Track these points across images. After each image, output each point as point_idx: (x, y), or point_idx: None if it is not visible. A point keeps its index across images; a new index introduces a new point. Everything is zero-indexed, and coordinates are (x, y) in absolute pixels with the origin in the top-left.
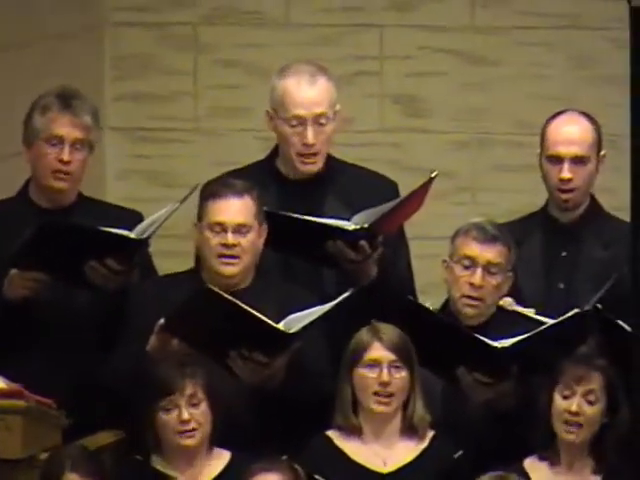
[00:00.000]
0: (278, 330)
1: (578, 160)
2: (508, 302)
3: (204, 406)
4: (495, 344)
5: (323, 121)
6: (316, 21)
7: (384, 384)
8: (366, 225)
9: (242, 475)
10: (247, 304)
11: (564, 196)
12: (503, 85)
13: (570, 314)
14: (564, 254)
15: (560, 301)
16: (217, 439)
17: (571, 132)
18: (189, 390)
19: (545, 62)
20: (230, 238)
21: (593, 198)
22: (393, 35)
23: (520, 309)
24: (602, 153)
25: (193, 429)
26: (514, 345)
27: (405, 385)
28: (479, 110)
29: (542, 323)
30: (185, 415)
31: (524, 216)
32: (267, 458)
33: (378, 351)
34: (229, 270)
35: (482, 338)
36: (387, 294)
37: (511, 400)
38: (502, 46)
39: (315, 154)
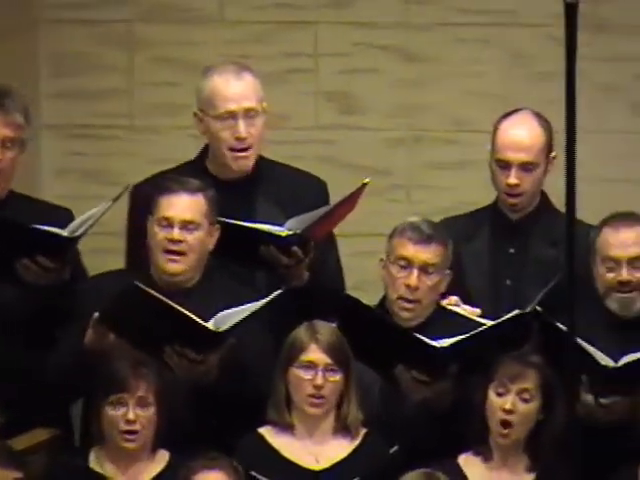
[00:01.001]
0: (207, 328)
1: (526, 167)
2: (454, 301)
3: (152, 410)
4: (434, 343)
5: (253, 114)
6: (250, 18)
7: (318, 387)
8: (299, 231)
9: (183, 474)
10: (192, 304)
11: (511, 200)
12: (438, 82)
13: (510, 315)
14: (512, 251)
15: (507, 298)
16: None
17: (520, 138)
18: (141, 392)
19: (481, 59)
20: (176, 234)
21: (544, 195)
22: (328, 32)
23: (467, 309)
24: (552, 154)
25: (136, 431)
26: (453, 345)
27: (339, 387)
28: (414, 107)
29: (482, 324)
30: (131, 415)
31: (474, 210)
32: (207, 456)
33: (314, 353)
34: (173, 267)
35: (421, 337)
36: (320, 293)
37: (449, 399)
38: (437, 43)
39: (247, 148)
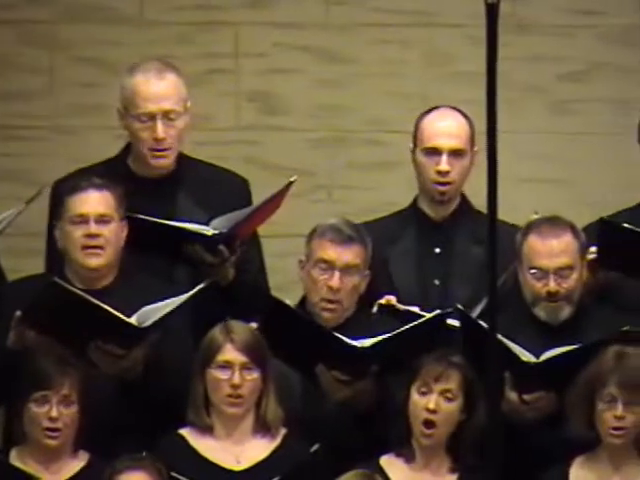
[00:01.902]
0: (129, 324)
1: (456, 153)
2: (392, 301)
3: (75, 408)
4: (355, 343)
5: (173, 116)
6: (171, 19)
7: (235, 387)
8: (225, 230)
9: (107, 474)
10: (111, 302)
11: (441, 188)
12: (359, 82)
13: (431, 315)
14: (438, 251)
15: (436, 298)
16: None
17: (449, 125)
18: (65, 389)
19: (401, 59)
20: (93, 228)
21: (463, 195)
22: (248, 33)
23: (406, 308)
24: (475, 149)
25: (59, 429)
26: (374, 345)
27: (257, 386)
28: (335, 107)
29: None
30: (54, 413)
31: (395, 212)
32: (131, 456)
33: (230, 353)
34: (94, 261)
35: (342, 337)
36: (244, 292)
37: (369, 399)
38: (358, 43)
39: (166, 149)
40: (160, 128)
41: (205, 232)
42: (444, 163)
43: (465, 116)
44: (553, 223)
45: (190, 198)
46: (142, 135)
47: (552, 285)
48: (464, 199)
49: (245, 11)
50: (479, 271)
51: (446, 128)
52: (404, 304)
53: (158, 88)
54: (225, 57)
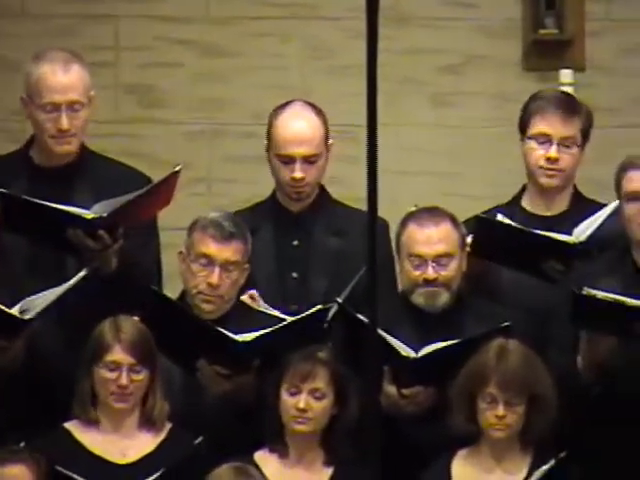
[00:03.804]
0: (12, 316)
1: (310, 159)
2: (255, 296)
3: None
4: (236, 337)
5: (77, 107)
6: (52, 12)
7: (123, 387)
8: (104, 214)
9: None
10: None
11: (296, 190)
12: (239, 76)
13: (313, 310)
14: (295, 243)
15: (294, 290)
16: None
17: (301, 131)
18: None
19: (281, 52)
20: None
21: (322, 187)
22: (129, 26)
23: (263, 306)
24: (330, 142)
25: None
26: (256, 339)
27: (144, 384)
28: (215, 101)
29: (280, 319)
30: None
31: (254, 205)
32: (9, 449)
33: (118, 354)
34: None
35: (223, 331)
36: (131, 285)
37: (250, 393)
38: (238, 37)
39: (71, 136)
40: (65, 119)
41: (84, 215)
42: (298, 171)
43: (317, 111)
44: (432, 213)
45: (88, 191)
46: (46, 125)
47: (430, 272)
48: (323, 190)
49: (126, 4)
50: (336, 263)
51: (299, 134)
52: (263, 297)
53: (64, 79)
54: (106, 50)
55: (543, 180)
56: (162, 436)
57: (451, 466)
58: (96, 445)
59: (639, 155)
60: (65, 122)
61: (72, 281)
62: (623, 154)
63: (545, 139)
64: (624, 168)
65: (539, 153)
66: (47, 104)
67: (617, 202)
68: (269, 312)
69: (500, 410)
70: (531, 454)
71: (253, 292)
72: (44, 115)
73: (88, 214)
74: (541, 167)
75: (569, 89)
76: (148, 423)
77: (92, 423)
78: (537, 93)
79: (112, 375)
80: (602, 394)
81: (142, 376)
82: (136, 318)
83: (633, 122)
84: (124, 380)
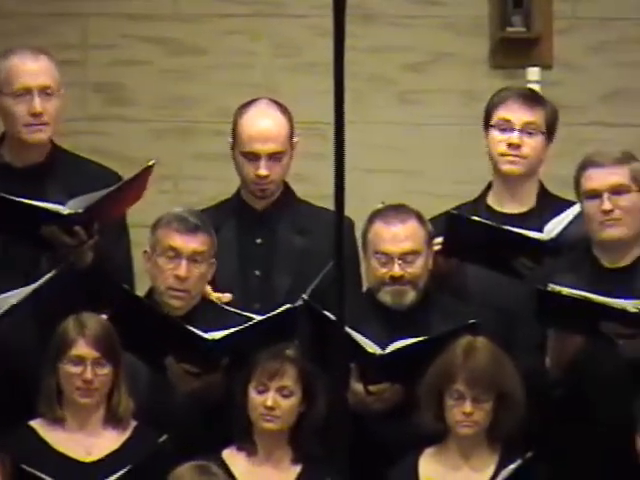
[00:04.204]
0: None
1: (275, 156)
2: (223, 299)
3: None
4: (206, 336)
5: (49, 92)
6: (19, 10)
7: (87, 381)
8: (80, 210)
9: None
10: None
11: (260, 187)
12: (207, 74)
13: (282, 309)
14: (259, 241)
15: (257, 289)
16: None
17: (267, 128)
18: None
19: (248, 50)
20: None
21: (286, 185)
22: (97, 24)
23: (218, 295)
24: (295, 140)
25: None
26: (224, 338)
27: (109, 379)
28: (182, 98)
29: (250, 317)
30: None
31: (218, 203)
32: None
33: (82, 348)
34: None
35: (192, 329)
36: (103, 282)
37: (218, 392)
38: (205, 35)
39: (44, 124)
40: (37, 101)
41: (61, 211)
42: (263, 168)
43: (282, 109)
44: (398, 210)
45: (61, 191)
46: (17, 110)
47: (396, 269)
48: (287, 188)
49: (94, 3)
50: (300, 261)
51: (263, 132)
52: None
53: (34, 65)
54: (73, 48)
55: (505, 167)
56: (127, 434)
57: (418, 463)
58: (61, 443)
59: (598, 152)
60: (38, 104)
61: (40, 281)
62: (590, 151)
63: (507, 125)
64: (583, 166)
65: (501, 138)
66: (19, 89)
67: None
68: (238, 311)
69: (467, 407)
70: (499, 451)
71: (228, 295)
72: (16, 101)
73: (64, 210)
74: (503, 154)
75: (536, 87)
76: (113, 420)
77: (57, 421)
78: (500, 89)
79: (77, 370)
80: (566, 395)
81: (107, 370)
82: (104, 316)
83: (600, 120)
84: (89, 374)
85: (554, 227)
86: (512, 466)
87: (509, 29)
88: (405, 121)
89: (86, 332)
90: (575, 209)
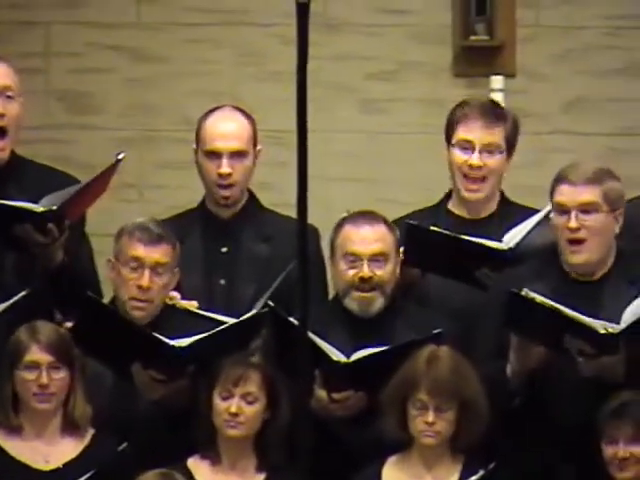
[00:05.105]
0: None
1: (237, 154)
2: (175, 297)
3: None
4: (172, 343)
5: (10, 94)
6: None
7: (43, 387)
8: (55, 207)
9: None
10: None
11: (223, 192)
12: (170, 82)
13: (248, 315)
14: (224, 250)
15: (222, 297)
16: None
17: (228, 127)
18: None
19: (212, 58)
20: None
21: (251, 193)
22: (59, 32)
23: (184, 303)
24: (258, 148)
25: None
26: (191, 344)
27: (65, 384)
28: (145, 107)
29: (211, 319)
30: None
31: (183, 212)
32: None
33: (36, 354)
34: None
35: (158, 336)
36: (69, 286)
37: (185, 399)
38: (168, 43)
39: (2, 132)
40: None
41: (35, 209)
42: (225, 166)
43: (247, 116)
44: (367, 215)
45: (22, 194)
46: None
47: (365, 270)
48: (252, 197)
49: (57, 11)
50: (265, 270)
51: (226, 130)
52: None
53: None
54: (36, 56)
55: (467, 195)
56: (85, 442)
57: (382, 472)
58: (18, 451)
59: (574, 165)
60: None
61: (13, 300)
62: (553, 160)
63: (467, 145)
64: (558, 179)
65: (461, 159)
66: None
67: (547, 208)
68: (206, 314)
69: (430, 416)
70: (462, 461)
71: (194, 303)
72: None
73: (39, 208)
74: (465, 176)
75: (499, 95)
76: (71, 427)
77: (14, 429)
78: (462, 101)
79: (32, 375)
80: (524, 404)
81: (62, 374)
82: (69, 324)
83: (563, 128)
84: (44, 379)
85: (514, 236)
86: (474, 477)
87: (472, 37)
88: (368, 129)
89: (39, 338)
90: (536, 218)
